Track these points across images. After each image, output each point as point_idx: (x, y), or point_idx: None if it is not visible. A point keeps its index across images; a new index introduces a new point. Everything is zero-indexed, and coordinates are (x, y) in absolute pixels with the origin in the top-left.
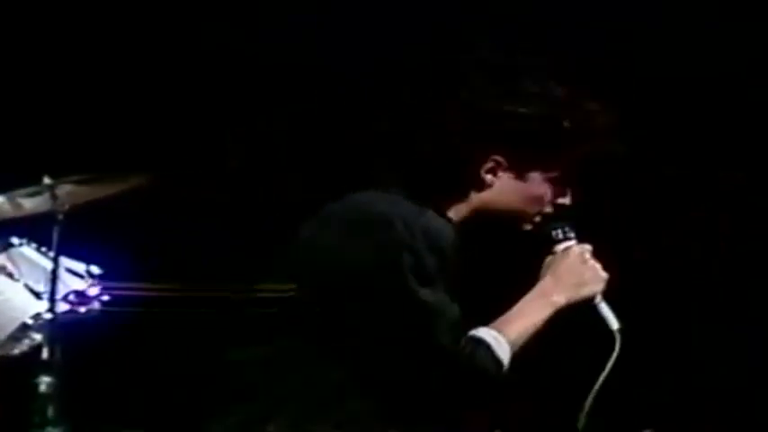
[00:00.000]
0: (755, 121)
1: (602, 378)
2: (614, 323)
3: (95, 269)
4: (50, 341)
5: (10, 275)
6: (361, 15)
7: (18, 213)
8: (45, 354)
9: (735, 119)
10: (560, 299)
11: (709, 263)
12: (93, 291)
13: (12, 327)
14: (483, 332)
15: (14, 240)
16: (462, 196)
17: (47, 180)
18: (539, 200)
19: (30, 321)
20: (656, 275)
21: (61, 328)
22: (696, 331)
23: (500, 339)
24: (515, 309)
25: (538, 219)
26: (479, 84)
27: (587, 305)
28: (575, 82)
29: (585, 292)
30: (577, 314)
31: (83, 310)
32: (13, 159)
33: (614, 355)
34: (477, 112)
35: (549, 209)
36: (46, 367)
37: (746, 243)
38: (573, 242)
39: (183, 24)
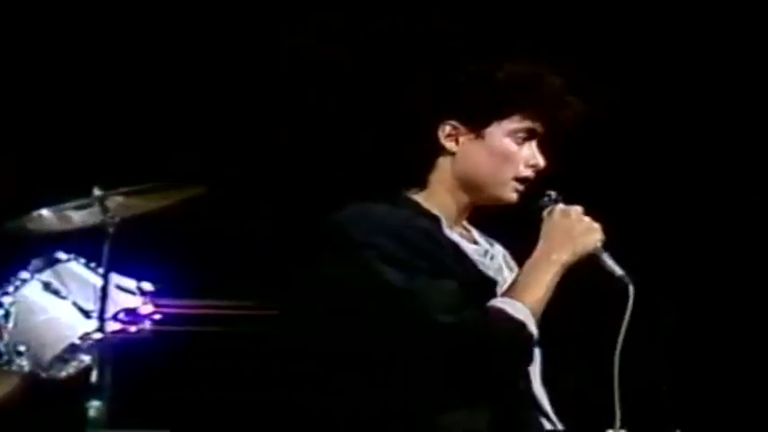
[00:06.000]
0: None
1: (623, 329)
2: (618, 270)
3: (147, 286)
4: (100, 363)
5: (56, 293)
6: None
7: (66, 227)
8: (94, 377)
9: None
10: (560, 256)
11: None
12: (146, 309)
13: (59, 347)
14: (494, 301)
15: (62, 255)
16: (436, 174)
17: (97, 191)
18: (506, 156)
19: (78, 342)
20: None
21: (111, 349)
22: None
23: (513, 303)
24: (520, 277)
25: (519, 186)
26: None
27: (591, 260)
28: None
29: (580, 245)
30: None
31: (134, 329)
32: (61, 169)
33: (629, 303)
34: (421, 85)
35: (526, 172)
36: (95, 391)
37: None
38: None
39: (249, 33)
